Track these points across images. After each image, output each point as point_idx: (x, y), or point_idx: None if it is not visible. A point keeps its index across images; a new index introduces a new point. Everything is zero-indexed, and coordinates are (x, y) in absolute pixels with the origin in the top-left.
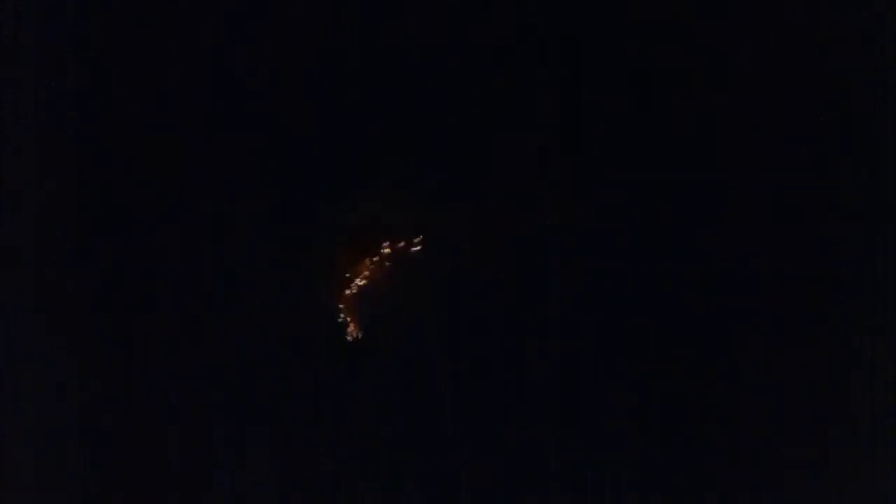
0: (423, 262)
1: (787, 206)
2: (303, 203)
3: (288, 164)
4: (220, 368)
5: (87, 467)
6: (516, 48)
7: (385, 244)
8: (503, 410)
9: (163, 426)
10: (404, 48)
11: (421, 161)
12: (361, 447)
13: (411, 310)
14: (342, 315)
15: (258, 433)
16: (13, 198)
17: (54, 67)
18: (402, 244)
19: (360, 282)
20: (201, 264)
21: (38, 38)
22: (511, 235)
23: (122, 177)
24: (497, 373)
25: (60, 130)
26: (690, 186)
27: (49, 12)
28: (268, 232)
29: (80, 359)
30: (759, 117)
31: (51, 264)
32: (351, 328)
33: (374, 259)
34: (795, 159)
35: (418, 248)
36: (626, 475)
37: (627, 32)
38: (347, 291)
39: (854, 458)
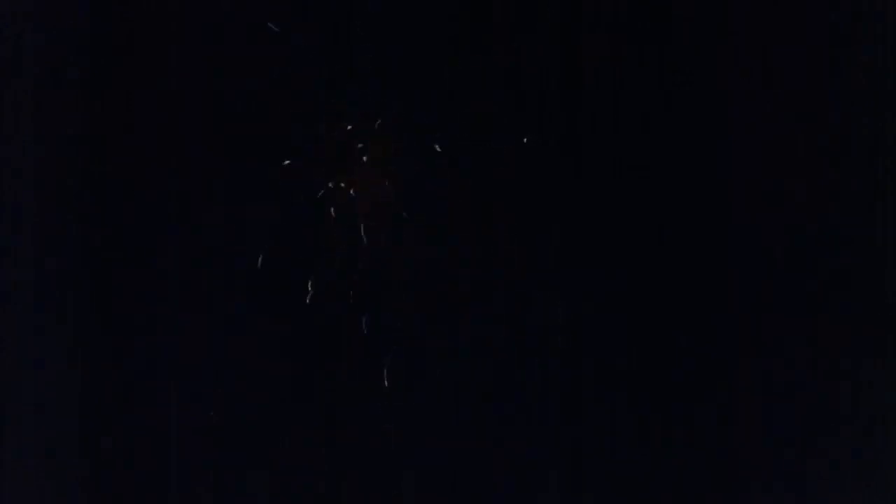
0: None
1: (788, 205)
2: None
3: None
4: (223, 368)
5: (88, 467)
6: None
7: None
8: (501, 410)
9: (165, 426)
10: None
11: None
12: (364, 446)
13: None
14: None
15: (262, 433)
16: (13, 197)
17: (55, 67)
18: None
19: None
20: (205, 263)
21: (37, 38)
22: (508, 230)
23: (124, 176)
24: (495, 372)
25: (60, 130)
26: (691, 185)
27: (50, 12)
28: (274, 230)
29: (80, 359)
30: (758, 118)
31: (51, 264)
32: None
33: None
34: (796, 158)
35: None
36: (626, 477)
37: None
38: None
39: (854, 459)
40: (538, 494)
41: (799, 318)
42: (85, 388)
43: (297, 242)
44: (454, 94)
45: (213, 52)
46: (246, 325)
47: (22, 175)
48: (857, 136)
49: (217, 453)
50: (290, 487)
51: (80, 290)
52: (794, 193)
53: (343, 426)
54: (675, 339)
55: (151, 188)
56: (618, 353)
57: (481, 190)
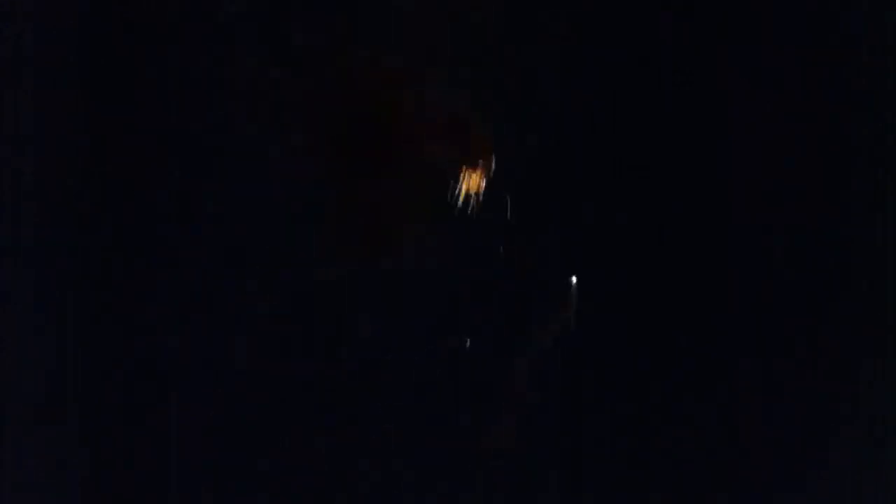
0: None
1: (788, 205)
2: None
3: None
4: (223, 368)
5: (88, 467)
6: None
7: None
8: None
9: (165, 426)
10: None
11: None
12: (362, 443)
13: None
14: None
15: (262, 433)
16: (13, 197)
17: (55, 67)
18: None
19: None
20: (205, 263)
21: (37, 38)
22: (508, 230)
23: (124, 176)
24: (494, 375)
25: (61, 130)
26: (691, 185)
27: (50, 12)
28: (275, 231)
29: (80, 359)
30: (758, 118)
31: (51, 264)
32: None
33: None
34: (795, 159)
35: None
36: (626, 477)
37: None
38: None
39: (854, 459)
40: (538, 494)
41: (799, 318)
42: (85, 388)
43: (298, 242)
44: (454, 95)
45: (214, 51)
46: (246, 325)
47: (22, 175)
48: (857, 136)
49: (217, 453)
50: (291, 487)
51: (80, 290)
52: (794, 193)
53: (343, 426)
54: (675, 340)
55: (151, 188)
56: (618, 353)
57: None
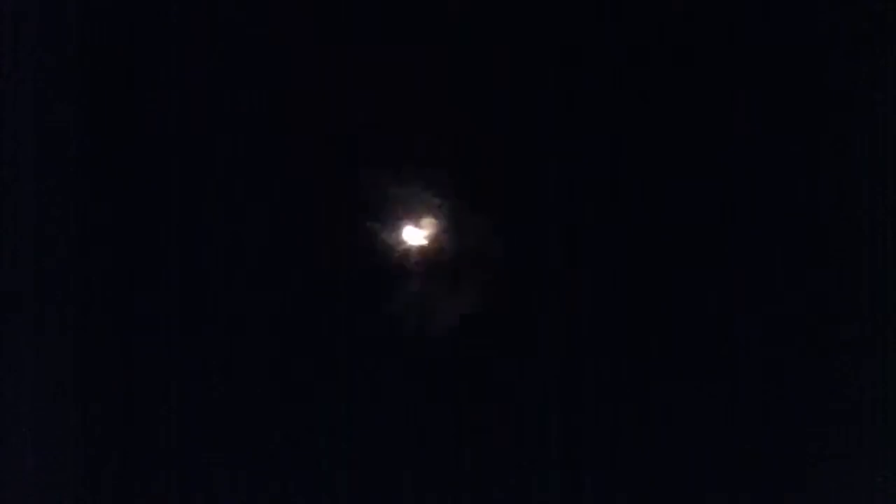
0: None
1: (788, 205)
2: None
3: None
4: (223, 368)
5: (88, 468)
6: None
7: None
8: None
9: (165, 426)
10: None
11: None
12: (359, 442)
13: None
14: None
15: (262, 433)
16: (13, 198)
17: (55, 68)
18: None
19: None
20: (206, 263)
21: (38, 38)
22: (507, 229)
23: (124, 176)
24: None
25: (60, 130)
26: (691, 185)
27: (50, 12)
28: (274, 232)
29: (80, 359)
30: (759, 119)
31: (51, 264)
32: None
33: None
34: (796, 162)
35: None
36: (626, 478)
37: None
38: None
39: (854, 460)
40: (538, 494)
41: (799, 318)
42: (85, 388)
43: (299, 241)
44: (453, 94)
45: (216, 51)
46: (247, 324)
47: (22, 175)
48: (857, 136)
49: (217, 453)
50: (291, 487)
51: (80, 290)
52: (794, 193)
53: (343, 426)
54: (675, 339)
55: (152, 187)
56: (617, 353)
57: (479, 188)
